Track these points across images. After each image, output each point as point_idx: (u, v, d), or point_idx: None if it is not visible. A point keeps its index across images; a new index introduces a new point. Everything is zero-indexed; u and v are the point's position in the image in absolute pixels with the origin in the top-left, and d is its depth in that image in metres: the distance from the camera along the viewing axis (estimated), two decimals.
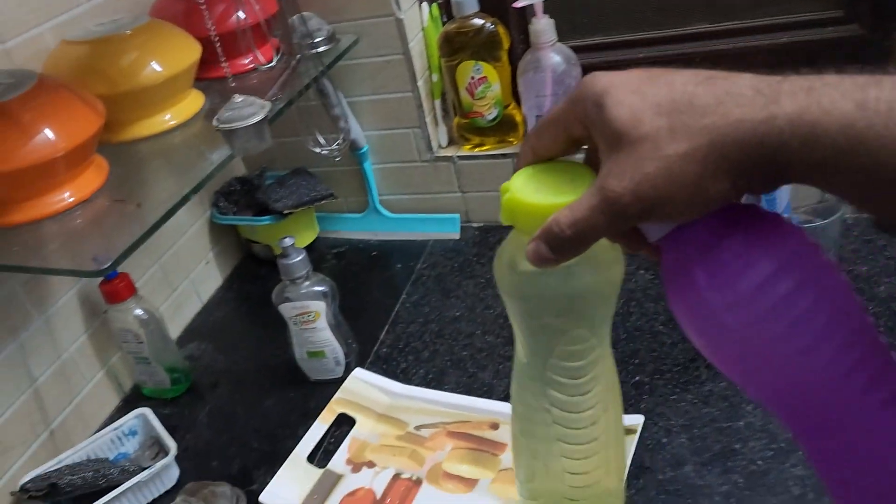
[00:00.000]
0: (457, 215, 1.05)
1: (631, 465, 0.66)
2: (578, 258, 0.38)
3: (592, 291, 0.45)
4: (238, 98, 0.59)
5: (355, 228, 1.10)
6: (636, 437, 0.67)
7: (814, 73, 0.30)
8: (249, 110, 0.58)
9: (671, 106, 0.32)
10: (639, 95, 0.33)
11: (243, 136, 0.59)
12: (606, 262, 0.45)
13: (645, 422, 0.69)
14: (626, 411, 0.71)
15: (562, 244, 0.36)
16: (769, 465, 0.64)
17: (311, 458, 0.74)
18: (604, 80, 0.35)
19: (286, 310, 0.80)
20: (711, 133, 0.31)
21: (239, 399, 0.86)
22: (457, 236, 1.04)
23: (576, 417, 0.50)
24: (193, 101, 0.79)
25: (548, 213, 0.37)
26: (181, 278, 0.99)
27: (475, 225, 1.06)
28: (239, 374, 0.90)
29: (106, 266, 0.55)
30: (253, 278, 1.08)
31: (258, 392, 0.86)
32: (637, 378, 0.75)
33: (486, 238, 1.03)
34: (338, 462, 0.73)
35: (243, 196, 1.06)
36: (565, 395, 0.49)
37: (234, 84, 0.79)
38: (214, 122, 0.60)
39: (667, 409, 0.71)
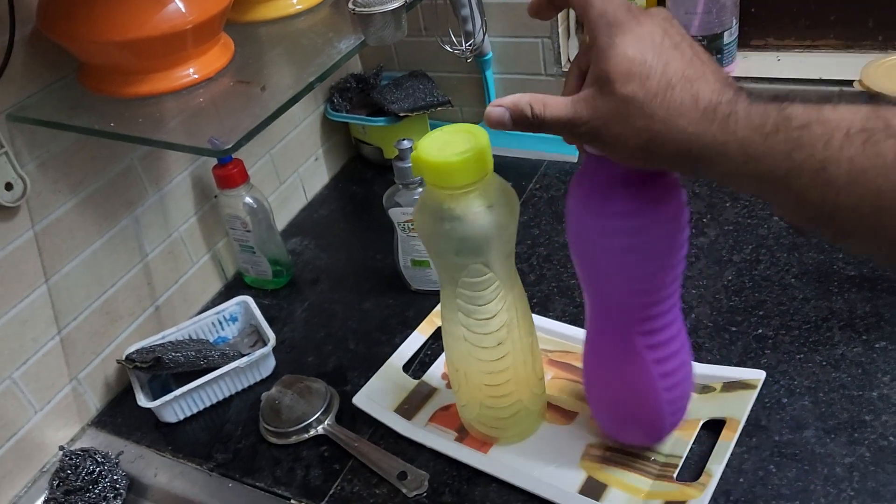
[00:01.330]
0: None
1: (746, 422, 0.61)
2: (471, 205, 0.51)
3: (482, 234, 0.53)
4: None
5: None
6: (755, 392, 0.63)
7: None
8: None
9: (655, 86, 0.39)
10: (649, 53, 0.39)
11: (379, 23, 0.55)
12: (496, 208, 0.53)
13: (767, 380, 0.64)
14: (746, 365, 0.66)
15: (522, 122, 0.43)
16: None
17: (406, 368, 0.73)
18: (631, 14, 0.40)
19: (396, 214, 0.78)
20: (664, 125, 0.39)
21: (338, 298, 0.85)
22: (574, 159, 0.98)
23: (482, 337, 0.58)
24: None
25: (443, 168, 0.50)
26: (289, 171, 0.98)
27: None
28: (340, 273, 0.89)
29: (225, 148, 0.53)
30: (360, 180, 1.06)
31: (358, 294, 0.85)
32: (760, 331, 0.70)
33: None
34: (433, 375, 0.72)
35: (358, 94, 1.02)
36: (471, 319, 0.57)
37: None
38: (350, 6, 0.56)
39: (791, 367, 0.66)
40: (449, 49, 0.73)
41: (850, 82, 0.78)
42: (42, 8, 0.62)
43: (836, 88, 0.81)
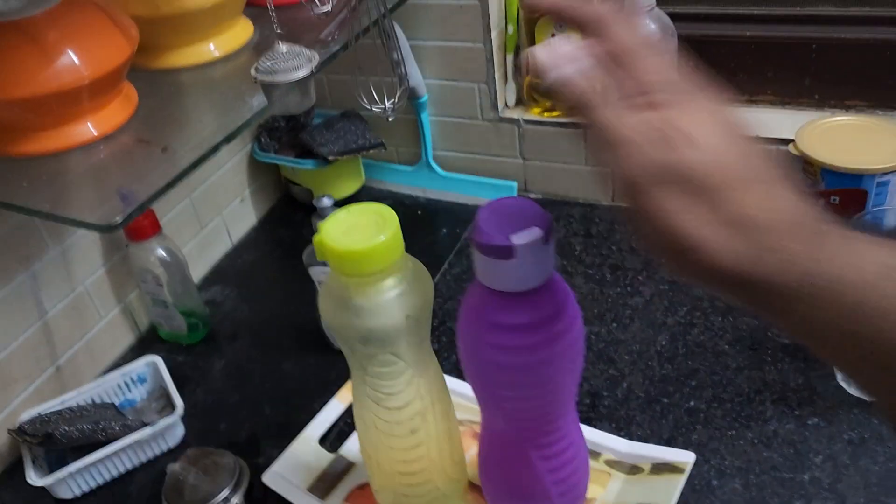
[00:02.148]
0: (514, 183, 0.97)
1: None
2: (380, 294, 0.48)
3: (391, 325, 0.49)
4: (283, 46, 0.51)
5: (404, 182, 1.02)
6: (684, 477, 0.60)
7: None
8: (294, 63, 0.50)
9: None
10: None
11: (284, 92, 0.51)
12: (407, 296, 0.49)
13: (696, 458, 0.62)
14: (676, 443, 0.64)
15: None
16: None
17: (323, 441, 0.69)
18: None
19: (316, 273, 0.73)
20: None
21: (257, 356, 0.81)
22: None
23: (394, 426, 0.54)
24: (242, 31, 0.71)
25: (348, 256, 0.46)
26: (212, 215, 0.93)
27: (533, 195, 0.97)
28: (260, 327, 0.84)
29: (113, 223, 0.48)
30: (289, 222, 1.01)
31: (278, 351, 0.80)
32: (692, 403, 0.67)
33: None
34: (350, 449, 0.68)
35: (287, 134, 0.98)
36: (381, 407, 0.53)
37: (279, 29, 0.70)
38: (252, 72, 0.52)
39: (722, 445, 0.63)
40: (368, 107, 0.69)
41: (787, 141, 0.77)
42: None
43: (773, 147, 0.80)
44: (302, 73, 0.50)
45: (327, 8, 0.59)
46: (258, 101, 0.61)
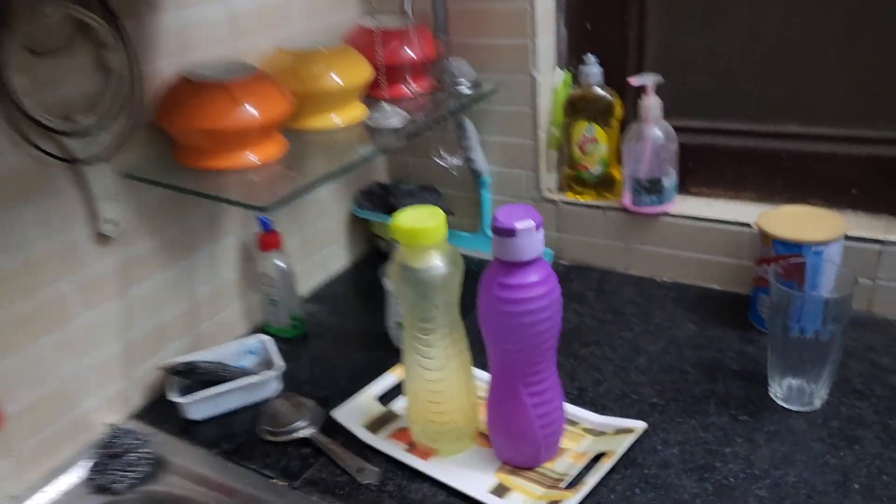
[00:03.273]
0: (550, 251, 1.23)
1: (624, 459, 0.80)
2: (427, 260, 0.75)
3: (433, 281, 0.75)
4: (388, 106, 0.81)
5: (463, 245, 1.29)
6: (636, 435, 0.82)
7: None
8: (394, 118, 0.80)
9: None
10: None
11: (384, 134, 0.80)
12: (445, 265, 0.76)
13: (648, 431, 0.83)
14: (634, 418, 0.85)
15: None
16: (739, 484, 0.76)
17: (378, 399, 0.94)
18: None
19: (388, 283, 1.00)
20: None
21: (336, 350, 1.07)
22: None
23: (428, 362, 0.79)
24: (357, 111, 1.03)
25: (410, 232, 0.74)
26: (316, 251, 1.23)
27: (564, 262, 1.23)
28: (341, 333, 1.11)
29: (269, 204, 0.78)
30: (373, 267, 1.29)
31: (352, 348, 1.07)
32: (654, 400, 0.89)
33: (570, 274, 1.20)
34: (397, 406, 0.92)
35: (379, 198, 1.28)
36: (422, 346, 0.79)
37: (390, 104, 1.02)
38: (366, 120, 0.82)
39: (670, 427, 0.85)
40: (440, 162, 0.99)
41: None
42: (157, 105, 0.89)
43: (745, 228, 1.04)
44: (398, 124, 0.80)
45: (422, 93, 0.90)
46: (365, 149, 0.91)
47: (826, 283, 0.90)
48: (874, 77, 0.99)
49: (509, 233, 0.70)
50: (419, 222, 0.74)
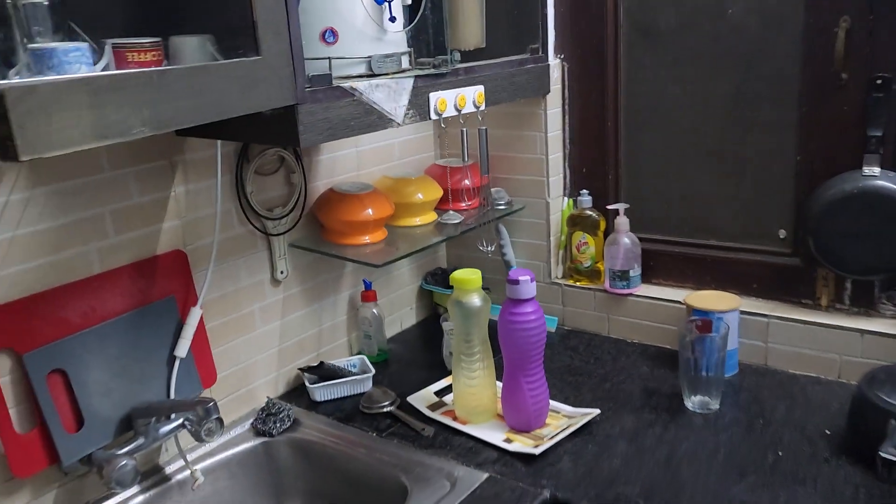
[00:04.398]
0: (556, 318, 1.77)
1: (582, 430, 1.31)
2: (471, 298, 1.26)
3: (475, 310, 1.31)
4: (451, 213, 1.40)
5: (494, 312, 1.84)
6: (591, 415, 1.34)
7: None
8: (454, 220, 1.39)
9: None
10: None
11: (448, 229, 1.39)
12: (481, 303, 1.32)
13: (600, 416, 1.35)
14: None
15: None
16: (655, 446, 1.27)
17: (435, 393, 1.47)
18: None
19: (447, 326, 1.56)
20: None
21: (407, 370, 1.61)
22: (553, 330, 1.75)
23: (469, 366, 1.33)
24: (432, 216, 1.62)
25: (462, 281, 1.31)
26: (396, 311, 1.80)
27: (566, 327, 1.77)
28: (410, 362, 1.66)
29: (380, 262, 1.35)
30: (433, 324, 1.85)
31: (418, 369, 1.61)
32: (610, 405, 1.41)
33: (569, 335, 1.73)
34: (448, 398, 1.46)
35: (440, 277, 1.86)
36: (465, 356, 1.33)
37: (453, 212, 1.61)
38: (437, 221, 1.41)
39: (615, 418, 1.36)
40: (481, 248, 1.56)
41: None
42: (316, 205, 1.50)
43: (679, 305, 1.58)
44: (455, 222, 1.38)
45: (472, 207, 1.49)
46: (435, 238, 1.50)
47: (723, 337, 1.43)
48: (755, 210, 1.55)
49: (515, 282, 1.26)
50: (467, 275, 1.31)
